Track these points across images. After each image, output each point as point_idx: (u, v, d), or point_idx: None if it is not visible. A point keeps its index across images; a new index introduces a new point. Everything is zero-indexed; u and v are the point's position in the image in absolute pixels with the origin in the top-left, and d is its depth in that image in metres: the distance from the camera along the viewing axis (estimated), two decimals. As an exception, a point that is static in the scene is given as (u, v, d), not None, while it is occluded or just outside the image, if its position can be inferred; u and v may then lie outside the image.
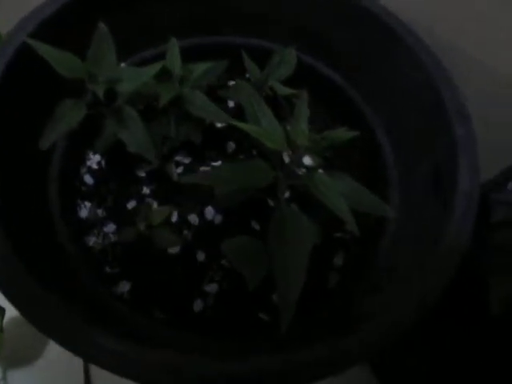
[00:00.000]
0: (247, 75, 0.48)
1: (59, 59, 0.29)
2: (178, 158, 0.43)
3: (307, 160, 0.43)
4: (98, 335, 0.24)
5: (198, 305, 0.36)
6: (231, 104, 0.47)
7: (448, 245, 0.29)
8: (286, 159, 0.36)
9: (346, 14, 0.41)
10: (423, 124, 0.36)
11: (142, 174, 0.41)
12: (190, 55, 0.38)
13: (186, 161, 0.43)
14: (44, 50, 0.29)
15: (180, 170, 0.42)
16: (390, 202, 0.38)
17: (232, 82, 0.48)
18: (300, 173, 0.35)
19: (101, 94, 0.29)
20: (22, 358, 0.43)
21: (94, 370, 0.42)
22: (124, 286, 0.36)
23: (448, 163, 0.32)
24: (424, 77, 0.36)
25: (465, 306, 0.36)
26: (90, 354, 0.24)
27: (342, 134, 0.29)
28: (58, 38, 0.31)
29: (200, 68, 0.38)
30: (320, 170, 0.43)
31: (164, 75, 0.36)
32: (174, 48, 0.37)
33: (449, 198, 0.30)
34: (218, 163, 0.43)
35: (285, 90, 0.39)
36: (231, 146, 0.44)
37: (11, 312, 0.38)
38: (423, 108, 0.36)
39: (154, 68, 0.33)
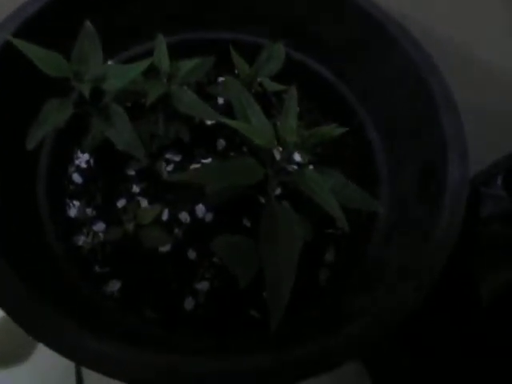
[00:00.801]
0: (236, 71, 0.48)
1: (44, 58, 0.28)
2: (167, 156, 0.43)
3: (298, 157, 0.43)
4: (87, 337, 0.24)
5: (189, 303, 0.36)
6: (221, 101, 0.46)
7: (437, 240, 0.29)
8: (277, 156, 0.36)
9: (335, 9, 0.41)
10: (413, 120, 0.36)
11: (132, 173, 0.41)
12: (177, 51, 0.38)
13: (176, 158, 0.43)
14: (28, 48, 0.28)
15: (170, 167, 0.42)
16: (381, 198, 0.38)
17: (221, 78, 0.48)
18: (290, 169, 0.35)
19: (86, 92, 0.28)
20: (12, 357, 0.43)
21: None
22: (114, 285, 0.36)
23: (437, 159, 0.32)
24: (413, 72, 0.36)
25: (456, 300, 0.36)
26: (79, 357, 0.24)
27: (331, 130, 0.29)
28: (43, 37, 0.31)
29: (188, 65, 0.37)
30: (310, 167, 0.43)
31: (152, 72, 0.35)
32: (161, 45, 0.36)
33: (438, 194, 0.30)
34: (209, 160, 0.43)
35: (274, 86, 0.39)
36: (221, 143, 0.44)
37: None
38: (413, 104, 0.36)
39: (142, 65, 0.32)
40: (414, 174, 0.35)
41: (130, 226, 0.31)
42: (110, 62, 0.41)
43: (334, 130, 0.29)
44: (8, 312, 0.24)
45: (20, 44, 0.28)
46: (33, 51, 0.29)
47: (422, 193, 0.33)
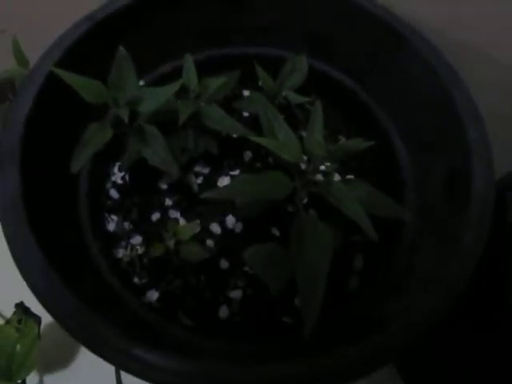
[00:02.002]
0: (260, 83, 0.49)
1: (85, 86, 0.31)
2: (197, 169, 0.44)
3: (322, 166, 0.44)
4: (132, 346, 0.26)
5: (223, 311, 0.38)
6: (246, 113, 0.48)
7: (466, 246, 0.30)
8: (303, 166, 0.37)
9: (355, 19, 0.42)
10: (436, 127, 0.37)
11: (164, 186, 0.43)
12: (204, 68, 0.40)
13: (205, 171, 0.45)
14: (70, 78, 0.30)
15: (200, 180, 0.44)
16: (406, 204, 0.38)
17: (246, 92, 0.49)
18: (317, 179, 0.36)
19: (125, 117, 0.30)
20: (57, 362, 0.46)
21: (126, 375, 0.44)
22: (152, 295, 0.38)
23: (462, 166, 0.32)
24: (434, 79, 0.36)
25: (485, 306, 0.36)
26: (123, 364, 0.26)
27: (358, 143, 0.30)
28: (81, 63, 0.33)
29: (215, 83, 0.39)
30: (336, 174, 0.44)
31: (182, 91, 0.37)
32: (189, 65, 0.38)
33: (464, 201, 0.31)
34: (237, 172, 0.44)
35: (299, 99, 0.40)
36: (248, 154, 0.46)
37: (46, 318, 0.41)
38: (436, 111, 0.37)
39: (173, 87, 0.34)
40: (439, 180, 0.35)
41: (171, 243, 0.33)
42: (141, 83, 0.43)
43: (360, 143, 0.30)
44: (59, 320, 0.27)
45: (63, 74, 0.30)
46: (74, 80, 0.31)
47: (448, 199, 0.34)
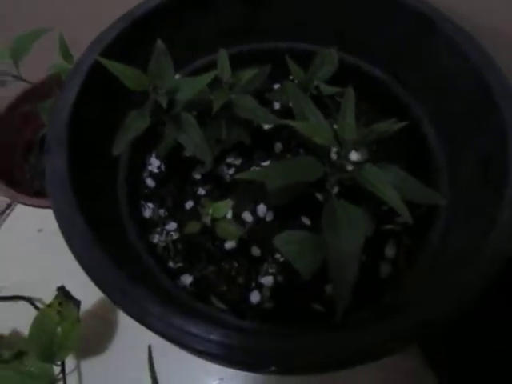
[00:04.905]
0: (290, 77, 0.50)
1: (127, 74, 0.32)
2: (229, 160, 0.46)
3: (353, 156, 0.44)
4: (169, 311, 0.27)
5: (255, 296, 0.38)
6: (277, 106, 0.49)
7: (501, 229, 0.29)
8: (333, 156, 0.37)
9: (381, 8, 0.42)
10: (469, 110, 0.36)
11: (198, 176, 0.45)
12: (236, 62, 0.41)
13: (237, 162, 0.46)
14: (113, 66, 0.32)
15: (231, 171, 0.45)
16: (440, 188, 0.38)
17: (276, 85, 0.50)
18: (348, 167, 0.36)
19: (164, 103, 0.32)
20: (93, 348, 0.47)
21: (157, 358, 0.45)
22: (186, 279, 0.39)
23: (498, 149, 0.32)
24: (465, 63, 0.36)
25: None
26: (166, 333, 0.26)
27: (390, 125, 0.30)
28: (121, 57, 0.35)
29: (247, 74, 0.40)
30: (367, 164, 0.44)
31: (215, 83, 0.39)
32: (223, 58, 0.40)
33: (500, 183, 0.31)
34: (267, 163, 0.45)
35: (330, 90, 0.41)
36: (278, 146, 0.47)
37: (83, 305, 0.42)
38: (468, 95, 0.36)
39: (208, 77, 0.35)
40: (472, 165, 0.35)
41: (207, 220, 0.34)
42: (176, 76, 0.45)
43: (393, 125, 0.30)
44: (107, 293, 0.28)
45: (106, 62, 0.32)
46: (117, 68, 0.33)
47: (482, 184, 0.34)
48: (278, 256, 0.40)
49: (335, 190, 0.43)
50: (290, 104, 0.43)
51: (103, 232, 0.31)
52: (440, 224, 0.36)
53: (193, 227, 0.36)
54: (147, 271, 0.35)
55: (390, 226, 0.41)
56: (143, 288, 0.27)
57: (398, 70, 0.44)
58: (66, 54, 0.41)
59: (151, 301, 0.27)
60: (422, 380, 0.42)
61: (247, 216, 0.42)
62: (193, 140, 0.35)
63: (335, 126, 0.33)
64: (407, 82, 0.43)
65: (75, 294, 0.42)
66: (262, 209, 0.42)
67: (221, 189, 0.44)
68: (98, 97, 0.37)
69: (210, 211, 0.34)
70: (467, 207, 0.34)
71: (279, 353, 0.25)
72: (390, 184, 0.31)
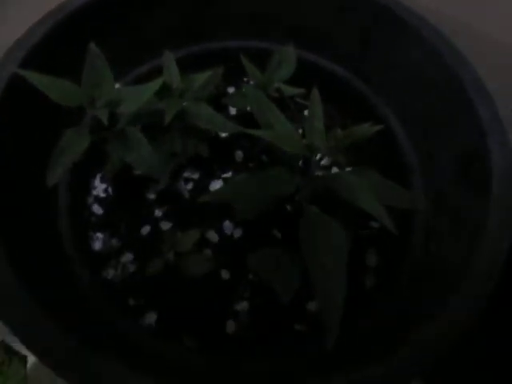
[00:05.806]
0: (245, 79, 0.46)
1: (54, 87, 0.27)
2: (186, 175, 0.41)
3: (324, 161, 0.41)
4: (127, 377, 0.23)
5: (230, 326, 0.34)
6: (233, 111, 0.45)
7: (490, 232, 0.27)
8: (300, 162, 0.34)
9: (342, 4, 0.40)
10: (442, 109, 0.34)
11: (152, 196, 0.40)
12: (184, 65, 0.36)
13: (195, 176, 0.41)
14: (35, 78, 0.27)
15: (190, 186, 0.41)
16: (416, 191, 0.36)
17: (231, 89, 0.46)
18: (320, 175, 0.33)
19: (105, 118, 0.27)
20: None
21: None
22: (150, 317, 0.34)
23: (476, 146, 0.30)
24: (438, 61, 0.34)
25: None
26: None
27: (365, 129, 0.27)
28: (50, 64, 0.29)
29: (200, 79, 0.36)
30: (334, 169, 0.42)
31: (164, 91, 0.34)
32: (170, 62, 0.35)
33: (483, 183, 0.29)
34: (229, 174, 0.41)
35: (292, 91, 0.38)
36: (239, 154, 0.43)
37: (31, 357, 0.36)
38: (440, 93, 0.35)
39: (155, 85, 0.31)
40: (451, 164, 0.33)
41: (171, 256, 0.30)
42: (116, 86, 0.40)
43: (368, 129, 0.27)
44: (40, 356, 0.23)
45: (29, 75, 0.27)
46: (40, 80, 0.27)
47: (463, 183, 0.32)
48: (251, 277, 0.36)
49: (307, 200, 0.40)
50: (248, 108, 0.39)
51: (41, 279, 0.25)
52: (420, 229, 0.33)
53: (154, 267, 0.31)
54: (100, 318, 0.30)
55: (365, 232, 0.38)
56: (92, 349, 0.22)
57: (363, 68, 0.41)
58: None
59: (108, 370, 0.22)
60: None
61: (212, 235, 0.38)
62: (143, 158, 0.31)
63: (300, 131, 0.30)
64: (373, 81, 0.41)
65: (19, 347, 0.36)
66: (228, 226, 0.38)
67: (180, 208, 0.39)
68: (24, 114, 0.31)
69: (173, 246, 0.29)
70: (449, 209, 0.32)
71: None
72: (369, 191, 0.28)
